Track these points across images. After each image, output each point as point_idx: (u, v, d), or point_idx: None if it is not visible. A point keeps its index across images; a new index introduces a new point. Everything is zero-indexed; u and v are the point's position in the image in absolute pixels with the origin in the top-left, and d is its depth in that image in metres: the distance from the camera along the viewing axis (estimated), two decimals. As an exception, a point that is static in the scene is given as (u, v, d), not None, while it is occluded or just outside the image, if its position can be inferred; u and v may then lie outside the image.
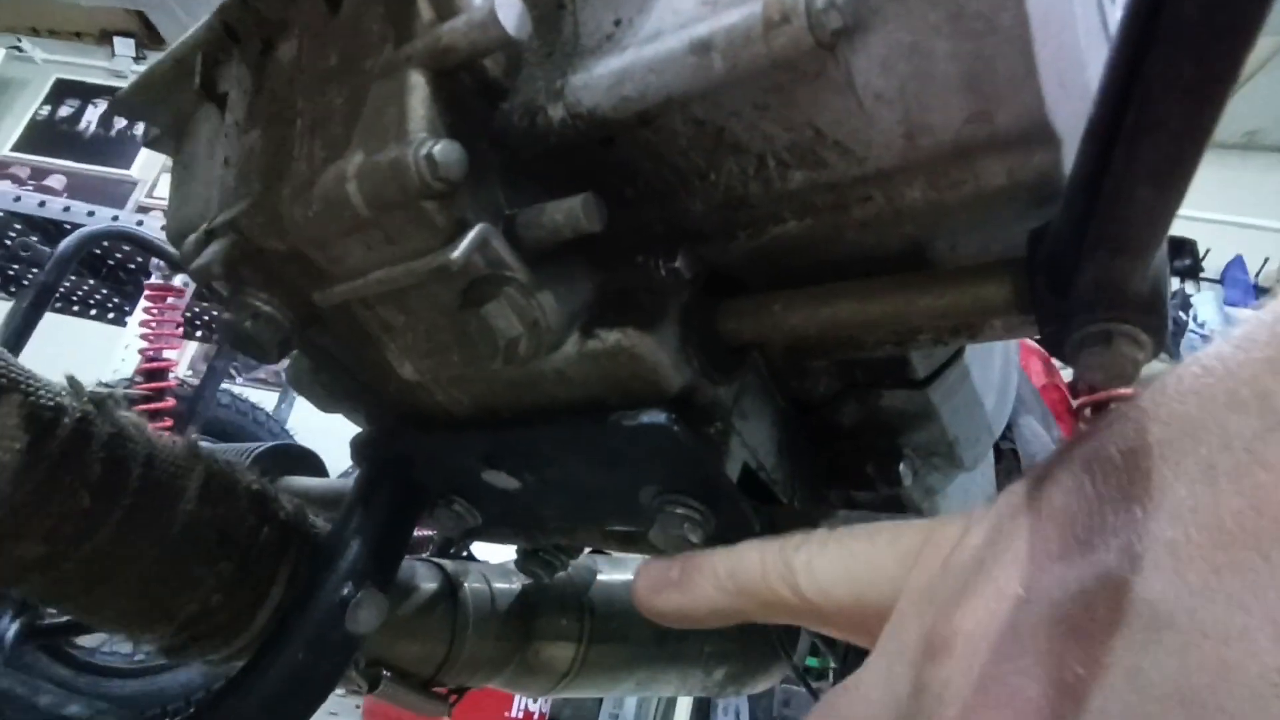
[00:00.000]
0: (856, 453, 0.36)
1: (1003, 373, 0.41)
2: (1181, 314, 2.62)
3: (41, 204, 2.15)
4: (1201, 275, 3.14)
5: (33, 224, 2.32)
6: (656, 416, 0.27)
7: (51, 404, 0.33)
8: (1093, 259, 0.20)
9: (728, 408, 0.31)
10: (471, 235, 0.24)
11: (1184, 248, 3.13)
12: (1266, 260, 3.03)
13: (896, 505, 0.38)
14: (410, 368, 0.31)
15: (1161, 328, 0.21)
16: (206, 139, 0.37)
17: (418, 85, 0.25)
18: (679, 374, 0.28)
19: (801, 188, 0.25)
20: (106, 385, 1.54)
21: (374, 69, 0.26)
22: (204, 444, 0.66)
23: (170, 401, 1.35)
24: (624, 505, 0.32)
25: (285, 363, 0.37)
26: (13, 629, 1.03)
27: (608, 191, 0.27)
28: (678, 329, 0.28)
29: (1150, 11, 0.13)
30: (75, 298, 2.66)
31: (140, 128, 0.41)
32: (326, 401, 0.39)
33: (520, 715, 1.80)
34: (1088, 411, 0.81)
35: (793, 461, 0.35)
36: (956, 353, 0.33)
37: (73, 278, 2.54)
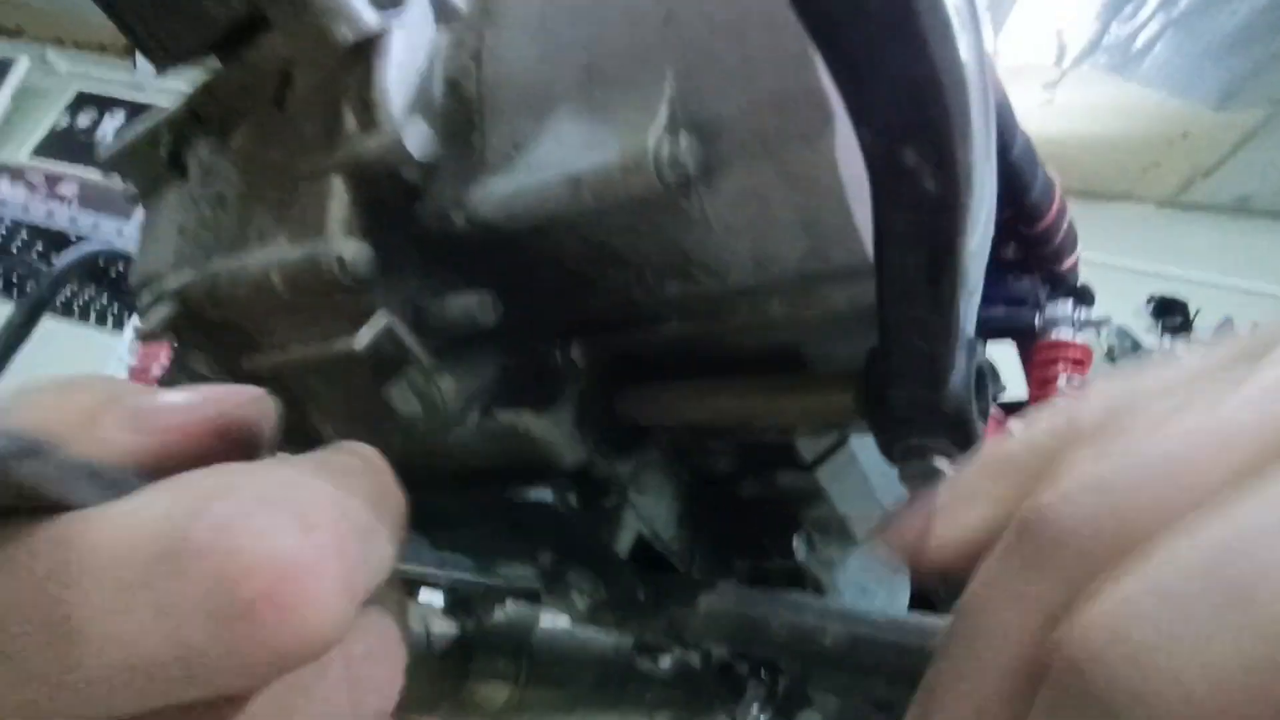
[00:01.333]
0: (757, 525, 0.38)
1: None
2: (1167, 374, 2.64)
3: (49, 214, 2.19)
4: (1192, 335, 3.17)
5: (38, 233, 2.37)
6: (544, 494, 0.29)
7: None
8: (899, 386, 0.22)
9: (624, 482, 0.33)
10: (375, 326, 0.27)
11: (1175, 307, 3.17)
12: (1255, 324, 3.06)
13: (798, 575, 0.40)
14: (331, 431, 0.34)
15: (967, 442, 0.23)
16: (170, 204, 0.40)
17: (338, 190, 0.27)
18: (572, 452, 0.31)
19: (678, 296, 0.28)
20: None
21: (305, 169, 0.29)
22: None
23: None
24: (527, 566, 0.34)
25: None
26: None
27: (513, 286, 0.29)
28: (572, 412, 0.31)
29: (879, 219, 0.16)
30: (75, 305, 2.70)
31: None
32: (268, 455, 0.41)
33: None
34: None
35: (693, 532, 0.37)
36: (842, 438, 0.36)
37: (74, 286, 2.58)
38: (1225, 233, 3.35)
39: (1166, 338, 3.25)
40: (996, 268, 0.91)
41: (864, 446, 0.37)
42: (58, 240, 2.24)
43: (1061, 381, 0.84)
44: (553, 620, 0.66)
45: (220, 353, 0.33)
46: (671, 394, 0.31)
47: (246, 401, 0.17)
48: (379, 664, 0.15)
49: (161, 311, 0.34)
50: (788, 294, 0.26)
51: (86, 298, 2.67)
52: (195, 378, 0.33)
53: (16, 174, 3.21)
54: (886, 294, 0.18)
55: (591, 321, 0.31)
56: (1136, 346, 2.66)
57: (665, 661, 0.37)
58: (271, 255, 0.29)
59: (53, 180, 3.18)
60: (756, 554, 0.39)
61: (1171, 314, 3.23)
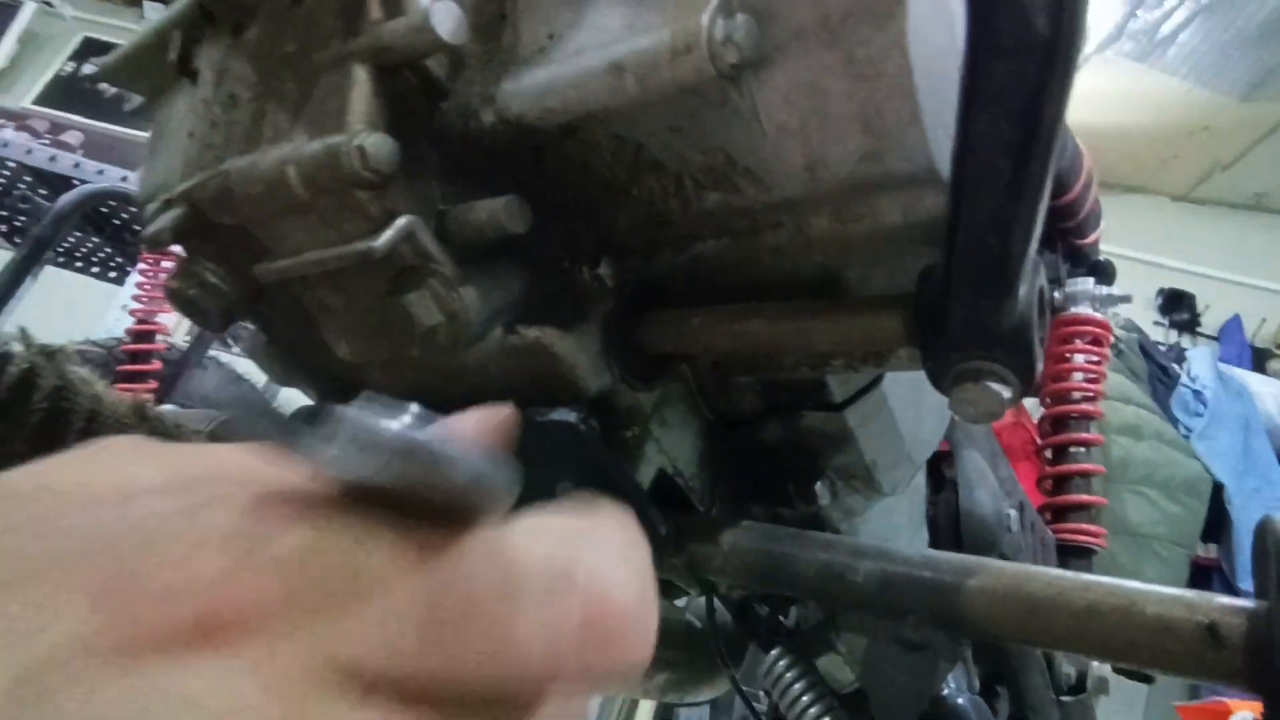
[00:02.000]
0: (778, 470, 0.37)
1: (936, 405, 0.42)
2: (1175, 366, 2.63)
3: (52, 159, 2.17)
4: (1199, 330, 3.15)
5: (42, 178, 2.34)
6: (567, 415, 0.28)
7: (-1, 352, 0.34)
8: (959, 299, 0.21)
9: (646, 414, 0.32)
10: (396, 226, 0.26)
11: (1183, 301, 3.14)
12: (1264, 321, 3.03)
13: (816, 524, 0.39)
14: (345, 348, 0.32)
15: (1027, 368, 0.22)
16: (180, 112, 0.38)
17: (360, 80, 0.26)
18: (597, 377, 0.30)
19: (717, 210, 0.26)
20: (95, 343, 1.56)
21: (324, 60, 0.27)
22: (169, 408, 0.67)
23: (156, 365, 1.36)
24: (541, 497, 0.33)
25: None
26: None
27: (539, 199, 0.28)
28: (598, 334, 0.29)
29: (972, 74, 0.15)
30: (78, 254, 2.67)
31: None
32: (280, 375, 0.40)
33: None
34: (1049, 454, 0.81)
35: (714, 473, 0.36)
36: (875, 379, 0.34)
37: (77, 234, 2.55)
38: (1239, 229, 3.31)
39: (1173, 332, 3.23)
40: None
41: (895, 391, 0.35)
42: (61, 186, 2.21)
43: (1078, 359, 0.83)
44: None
45: (230, 262, 0.32)
46: (701, 320, 0.29)
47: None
48: None
49: (168, 218, 0.32)
50: (836, 206, 0.24)
51: (89, 247, 2.64)
52: (204, 287, 0.32)
53: (21, 120, 3.17)
54: (966, 175, 0.17)
55: (622, 239, 0.29)
56: (1143, 341, 2.64)
57: (681, 603, 0.35)
58: (287, 151, 0.27)
59: (58, 128, 3.14)
60: (777, 499, 0.37)
61: (1179, 308, 3.20)
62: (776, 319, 0.28)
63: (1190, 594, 0.22)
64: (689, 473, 0.34)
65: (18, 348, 0.35)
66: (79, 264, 2.73)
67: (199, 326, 0.32)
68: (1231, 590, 2.24)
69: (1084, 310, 0.83)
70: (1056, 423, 0.80)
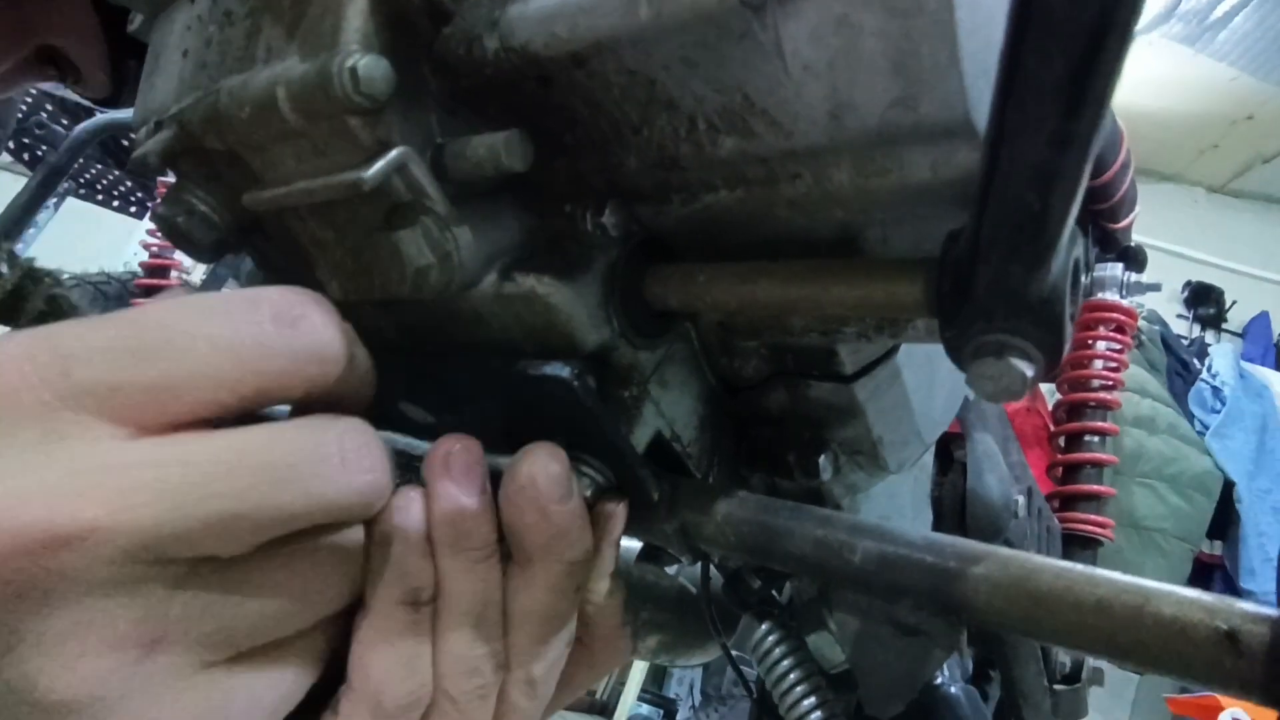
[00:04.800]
0: (780, 440, 0.36)
1: (949, 383, 0.40)
2: (1196, 361, 2.58)
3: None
4: (1224, 326, 3.09)
5: (63, 107, 2.33)
6: (559, 370, 0.27)
7: (-15, 271, 0.33)
8: (988, 263, 0.19)
9: (646, 374, 0.31)
10: (388, 157, 0.24)
11: (1210, 295, 3.08)
12: (1293, 320, 2.97)
13: (816, 498, 0.38)
14: (337, 287, 0.31)
15: (1055, 344, 0.20)
16: (177, 30, 0.37)
17: (356, -4, 0.24)
18: (595, 331, 0.28)
19: (732, 156, 0.24)
20: (111, 276, 1.56)
21: (322, -26, 0.25)
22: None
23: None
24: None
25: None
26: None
27: (544, 136, 0.26)
28: (600, 285, 0.28)
29: (1025, 2, 0.13)
30: (99, 186, 2.67)
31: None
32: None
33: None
34: (1061, 441, 0.80)
35: (713, 439, 0.35)
36: (889, 352, 0.33)
37: (98, 166, 2.55)
38: (1275, 224, 3.22)
39: (1197, 326, 3.17)
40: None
41: (909, 364, 0.34)
42: (82, 115, 2.20)
43: (1100, 346, 0.80)
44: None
45: (220, 188, 0.30)
46: (708, 276, 0.28)
47: None
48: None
49: (157, 141, 0.31)
50: (860, 158, 0.22)
51: (109, 180, 2.64)
52: (192, 215, 0.30)
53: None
54: (1008, 118, 0.15)
55: (630, 184, 0.27)
56: (1165, 334, 2.59)
57: (671, 570, 0.34)
58: (278, 71, 0.25)
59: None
60: (777, 470, 0.36)
61: (1206, 303, 3.14)
62: (788, 279, 0.26)
63: (1210, 597, 0.20)
64: (687, 437, 0.33)
65: (4, 269, 0.34)
66: (100, 196, 2.73)
67: (188, 256, 0.30)
68: (1233, 589, 2.23)
69: (1111, 296, 0.80)
70: (1073, 410, 0.78)
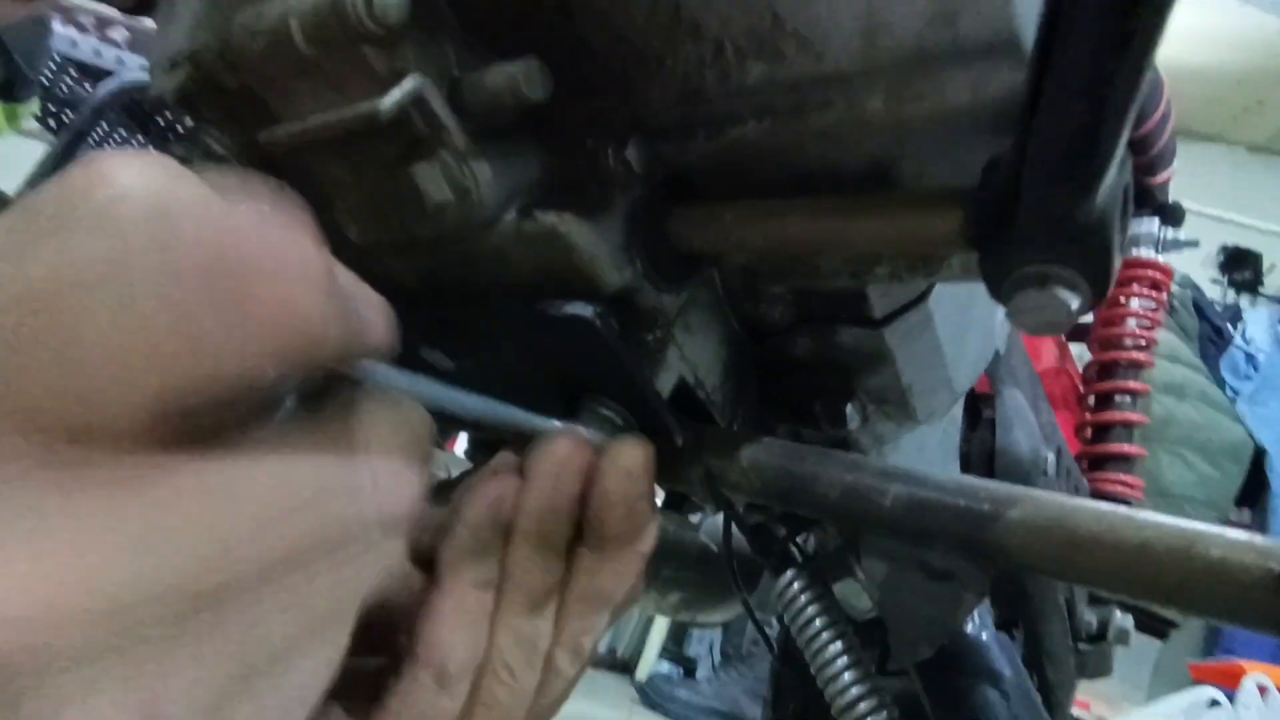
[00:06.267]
0: (807, 388, 0.35)
1: (981, 332, 0.39)
2: (1229, 326, 2.52)
3: (97, 53, 2.15)
4: (1260, 291, 3.01)
5: (87, 72, 2.33)
6: (583, 310, 0.26)
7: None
8: (1032, 186, 0.18)
9: (670, 317, 0.30)
10: (404, 87, 0.23)
11: (1246, 260, 2.99)
12: (1334, 285, 2.88)
13: (842, 448, 0.37)
14: (356, 230, 0.30)
15: (1102, 274, 0.19)
16: (191, -30, 0.36)
17: (369, -82, 0.23)
18: (618, 272, 0.27)
19: (759, 83, 0.23)
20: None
21: (333, -102, 0.24)
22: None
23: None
24: (553, 398, 0.32)
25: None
26: None
27: (565, 67, 0.25)
28: (622, 225, 0.27)
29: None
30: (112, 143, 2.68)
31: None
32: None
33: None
34: (1092, 400, 0.78)
35: (738, 386, 0.34)
36: (921, 296, 0.32)
37: (121, 131, 2.56)
38: (1320, 188, 3.10)
39: (1232, 291, 3.08)
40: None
41: (941, 309, 0.33)
42: (105, 78, 2.21)
43: (1134, 304, 0.78)
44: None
45: (236, 127, 0.30)
46: (734, 215, 0.27)
47: None
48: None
49: (172, 80, 0.30)
50: (895, 82, 0.21)
51: (133, 144, 2.65)
52: (209, 155, 0.30)
53: (68, 14, 3.14)
54: (1060, 20, 0.14)
55: (653, 118, 0.26)
56: (1198, 298, 2.53)
57: (697, 518, 0.34)
58: (291, 3, 0.25)
59: (103, 23, 3.12)
60: (802, 419, 0.35)
61: (1242, 267, 3.05)
62: (816, 215, 0.25)
63: (1260, 539, 0.19)
64: (711, 384, 0.32)
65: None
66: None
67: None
68: (1262, 557, 2.19)
69: (1146, 253, 0.78)
70: (1104, 369, 0.76)
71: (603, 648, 2.90)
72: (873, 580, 0.29)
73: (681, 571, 0.74)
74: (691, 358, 0.31)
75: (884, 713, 0.26)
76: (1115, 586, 0.21)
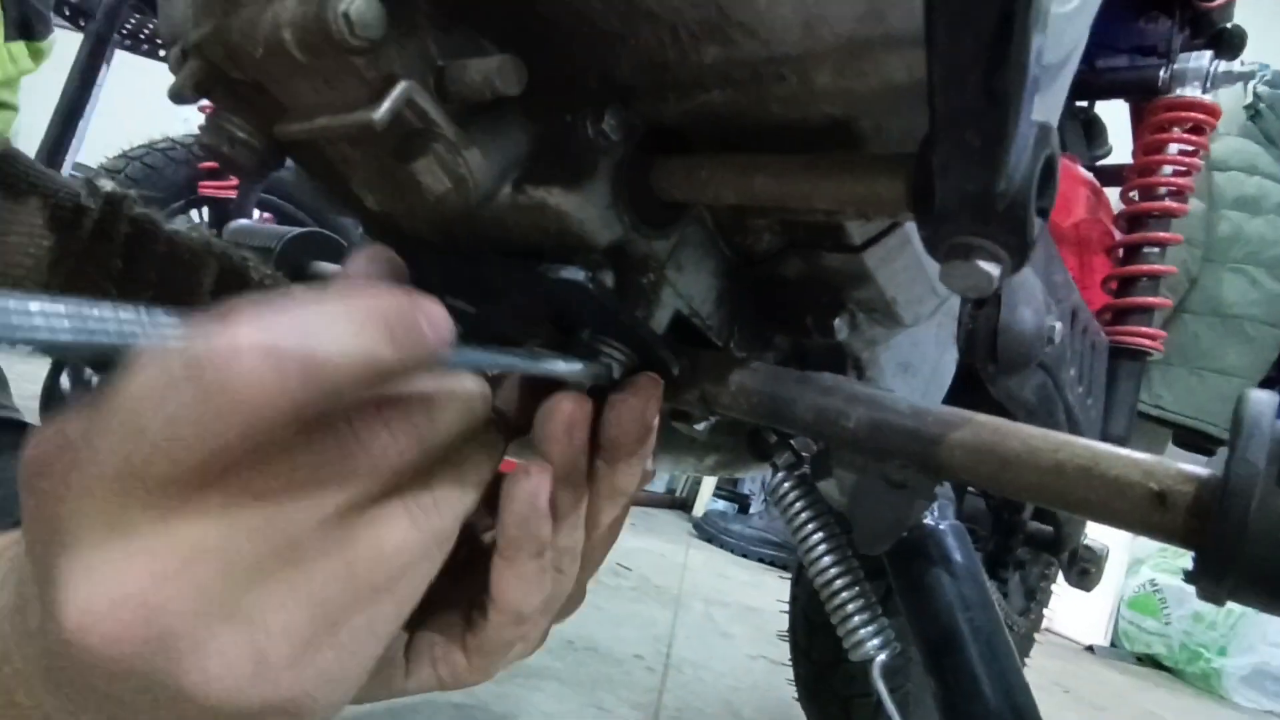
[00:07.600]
0: (799, 303, 0.38)
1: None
2: None
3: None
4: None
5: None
6: (575, 274, 0.29)
7: (70, 205, 0.37)
8: (943, 168, 0.20)
9: (661, 260, 0.33)
10: (394, 95, 0.25)
11: None
12: None
13: (838, 352, 0.41)
14: (372, 200, 0.33)
15: (1020, 245, 0.22)
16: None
17: (339, -70, 0.24)
18: (607, 230, 0.30)
19: (717, 62, 0.25)
20: (176, 141, 1.59)
21: (305, -98, 0.26)
22: (241, 223, 0.70)
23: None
24: (560, 345, 0.35)
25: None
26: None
27: (537, 47, 0.27)
28: (607, 187, 0.30)
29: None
30: (142, 35, 2.63)
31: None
32: (325, 206, 0.42)
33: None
34: (1120, 253, 0.78)
35: (733, 308, 0.37)
36: (896, 221, 0.33)
37: (136, 16, 2.50)
38: None
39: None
40: (1125, 5, 0.77)
41: (919, 228, 0.35)
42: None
43: (1172, 149, 0.75)
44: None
45: (254, 114, 0.32)
46: (709, 169, 0.29)
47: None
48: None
49: (187, 72, 0.32)
50: (837, 62, 0.23)
51: (151, 28, 2.60)
52: (234, 142, 0.33)
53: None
54: (935, 72, 0.16)
55: (624, 87, 0.28)
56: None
57: (701, 426, 0.39)
58: (280, 12, 0.27)
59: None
60: (798, 331, 0.39)
61: None
62: (780, 174, 0.27)
63: (1150, 460, 0.23)
64: (706, 312, 0.36)
65: (87, 200, 0.38)
66: (145, 46, 2.70)
67: (237, 179, 0.33)
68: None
69: (1190, 93, 0.74)
70: (1134, 220, 0.76)
71: (662, 489, 3.10)
72: (842, 486, 0.33)
73: (716, 437, 0.80)
74: (685, 292, 0.34)
75: (856, 588, 0.32)
76: (1036, 497, 0.25)
